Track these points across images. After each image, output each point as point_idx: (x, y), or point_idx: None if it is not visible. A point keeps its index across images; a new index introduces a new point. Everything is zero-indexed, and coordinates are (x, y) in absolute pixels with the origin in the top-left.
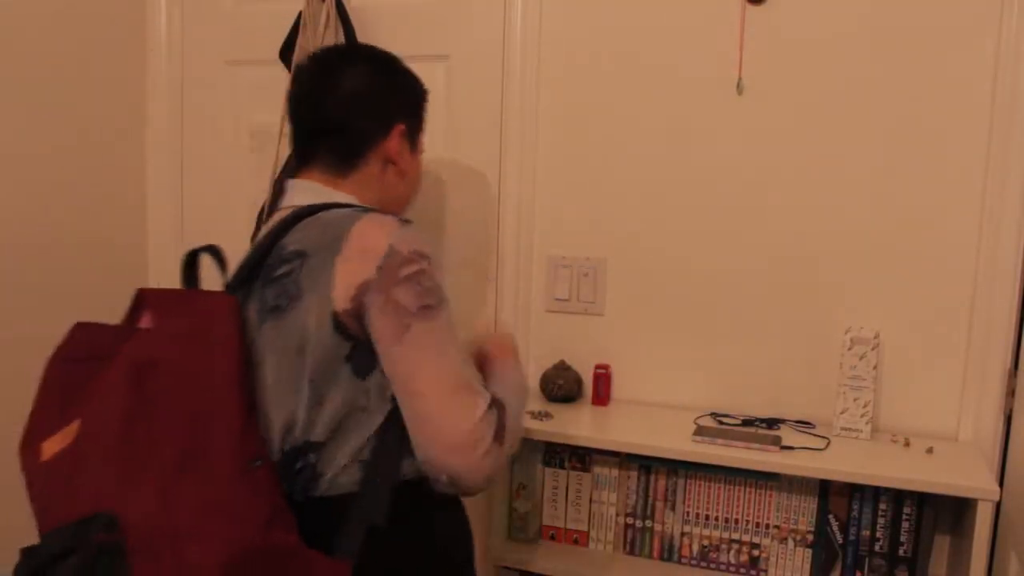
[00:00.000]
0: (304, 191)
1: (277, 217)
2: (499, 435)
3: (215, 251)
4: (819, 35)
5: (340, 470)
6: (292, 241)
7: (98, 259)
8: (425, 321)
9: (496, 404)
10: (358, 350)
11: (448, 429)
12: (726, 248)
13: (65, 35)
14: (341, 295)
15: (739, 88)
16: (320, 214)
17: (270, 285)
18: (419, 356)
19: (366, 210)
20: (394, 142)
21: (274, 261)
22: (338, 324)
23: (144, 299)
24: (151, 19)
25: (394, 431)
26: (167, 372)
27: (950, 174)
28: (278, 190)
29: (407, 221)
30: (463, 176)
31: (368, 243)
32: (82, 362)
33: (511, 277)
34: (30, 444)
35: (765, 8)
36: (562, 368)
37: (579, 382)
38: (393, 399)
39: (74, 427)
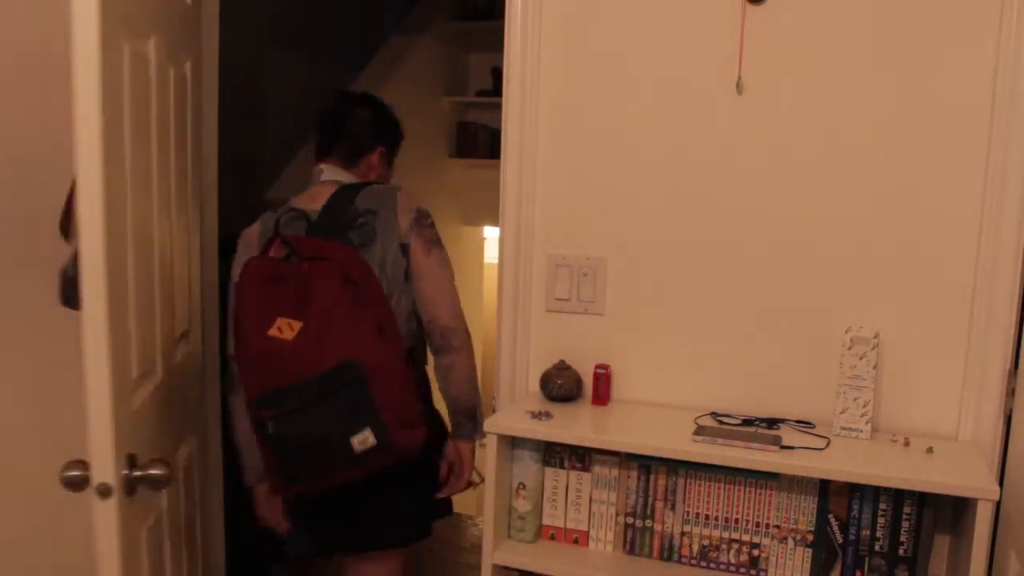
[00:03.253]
0: (338, 173)
1: (329, 189)
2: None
3: (304, 214)
4: (819, 35)
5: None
6: (360, 203)
7: None
8: (438, 249)
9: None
10: (408, 267)
11: (452, 302)
12: (726, 248)
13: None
14: (403, 233)
15: (739, 88)
16: (368, 187)
17: (354, 230)
18: (437, 264)
19: (391, 188)
20: (375, 157)
21: (351, 216)
22: (403, 249)
23: (278, 239)
24: None
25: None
26: (356, 280)
27: (950, 174)
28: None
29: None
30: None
31: (407, 206)
32: (268, 283)
33: (511, 277)
34: (259, 333)
35: (765, 8)
36: (562, 368)
37: (579, 382)
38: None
39: (289, 321)
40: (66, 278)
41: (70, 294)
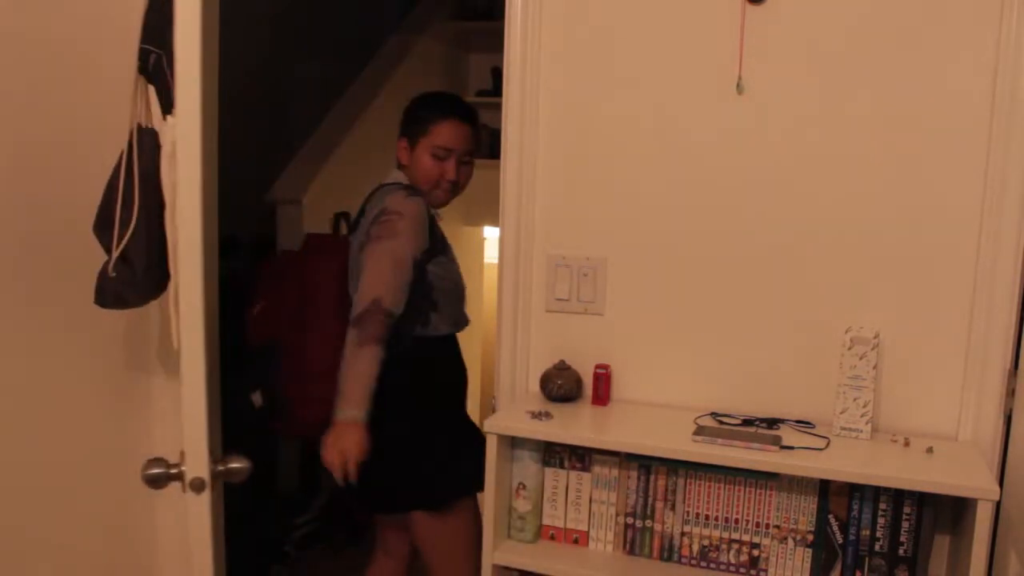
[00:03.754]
0: (388, 175)
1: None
2: (379, 318)
3: (346, 215)
4: (819, 35)
5: None
6: (369, 204)
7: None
8: (377, 243)
9: (383, 311)
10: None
11: (363, 293)
12: (726, 248)
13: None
14: (366, 230)
15: (739, 88)
16: (385, 187)
17: (355, 230)
18: (368, 257)
19: (401, 185)
20: (397, 151)
21: (358, 215)
22: (362, 245)
23: (312, 239)
24: None
25: None
26: (317, 274)
27: (950, 174)
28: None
29: (414, 192)
30: None
31: (384, 206)
32: (273, 276)
33: (511, 277)
34: (250, 310)
35: (765, 8)
36: (562, 368)
37: (579, 382)
38: None
39: (261, 303)
40: (105, 278)
41: (108, 294)
